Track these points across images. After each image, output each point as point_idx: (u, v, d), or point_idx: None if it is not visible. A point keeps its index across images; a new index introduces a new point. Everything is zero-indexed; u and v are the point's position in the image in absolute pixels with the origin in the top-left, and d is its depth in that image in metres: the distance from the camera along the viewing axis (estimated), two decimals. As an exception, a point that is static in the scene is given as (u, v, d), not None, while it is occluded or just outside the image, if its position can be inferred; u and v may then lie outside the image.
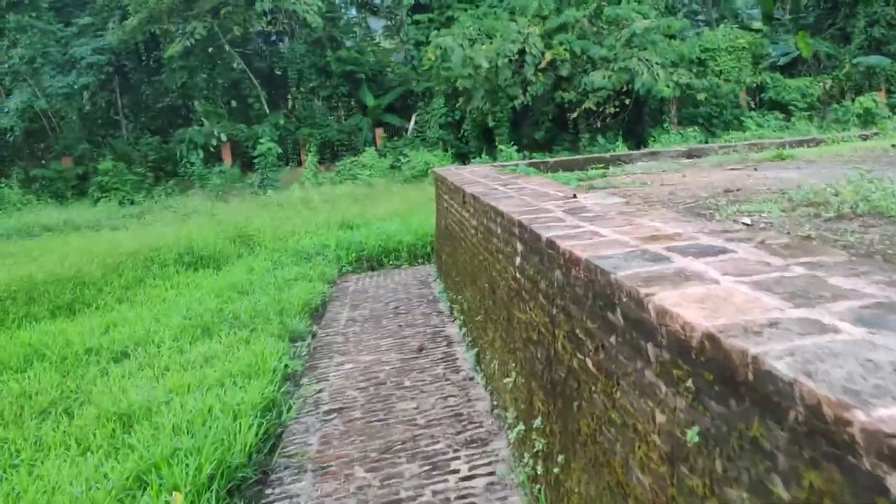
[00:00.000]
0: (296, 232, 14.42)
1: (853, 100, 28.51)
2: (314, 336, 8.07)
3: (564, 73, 22.93)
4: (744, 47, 24.10)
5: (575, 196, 4.48)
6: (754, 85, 25.21)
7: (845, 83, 30.76)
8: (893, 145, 8.29)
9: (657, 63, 21.31)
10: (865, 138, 9.93)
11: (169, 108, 33.01)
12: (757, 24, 33.02)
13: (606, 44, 22.46)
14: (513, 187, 5.76)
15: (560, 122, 25.20)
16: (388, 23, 37.82)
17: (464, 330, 6.72)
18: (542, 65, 22.87)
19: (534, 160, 9.93)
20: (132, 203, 24.45)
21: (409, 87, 30.44)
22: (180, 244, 12.98)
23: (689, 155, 9.82)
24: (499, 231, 4.57)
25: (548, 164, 9.65)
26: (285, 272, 11.00)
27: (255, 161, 22.36)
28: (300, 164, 27.76)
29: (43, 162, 29.48)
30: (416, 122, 28.88)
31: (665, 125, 25.17)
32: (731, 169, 7.48)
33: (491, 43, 22.65)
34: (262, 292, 9.83)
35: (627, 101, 22.26)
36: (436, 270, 10.26)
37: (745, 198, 5.04)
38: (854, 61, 30.80)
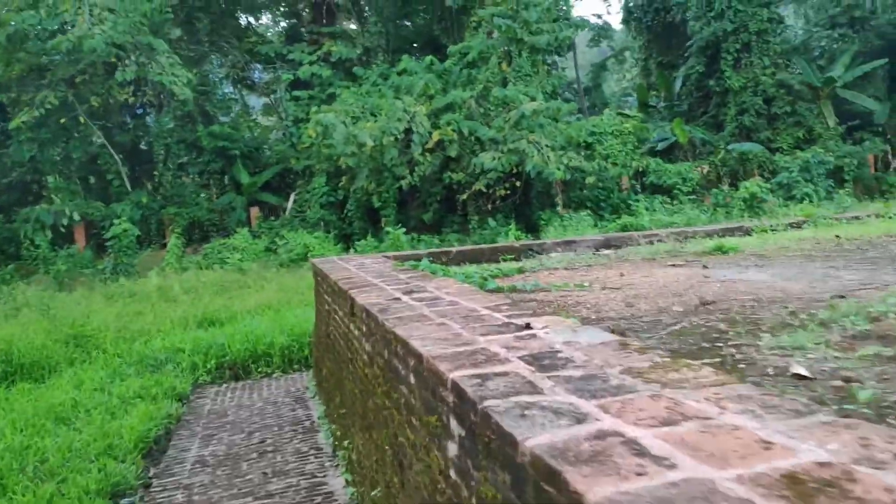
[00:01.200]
0: (145, 331, 12.15)
1: (732, 184, 29.32)
2: (147, 487, 6.00)
3: (452, 153, 21.97)
4: (629, 132, 24.12)
5: (528, 326, 2.90)
6: (639, 169, 25.21)
7: (721, 168, 31.72)
8: (838, 236, 7.41)
9: (547, 145, 20.72)
10: (798, 226, 9.15)
11: (16, 184, 29.57)
12: (631, 112, 33.86)
13: (495, 125, 21.76)
14: (423, 297, 4.14)
15: (448, 203, 24.13)
16: (267, 99, 36.25)
17: (353, 490, 4.92)
18: (430, 144, 21.83)
19: (434, 250, 8.42)
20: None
21: (288, 164, 28.72)
22: (-5, 349, 10.46)
23: (608, 244, 8.61)
24: (412, 380, 2.91)
25: (450, 255, 8.15)
26: (124, 387, 8.81)
27: (109, 244, 19.77)
28: (165, 246, 25.15)
29: None
30: (294, 202, 27.06)
31: (555, 208, 24.62)
32: (674, 265, 6.21)
33: (376, 121, 21.43)
34: (88, 419, 7.62)
35: (518, 184, 21.47)
36: (314, 384, 8.40)
37: (742, 318, 3.64)
38: (728, 147, 31.90)
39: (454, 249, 8.36)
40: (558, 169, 20.24)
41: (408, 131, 21.78)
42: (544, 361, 2.34)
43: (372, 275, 5.83)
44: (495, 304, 3.63)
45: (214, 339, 10.54)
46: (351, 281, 5.58)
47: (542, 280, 5.83)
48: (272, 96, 35.66)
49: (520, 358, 2.41)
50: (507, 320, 3.15)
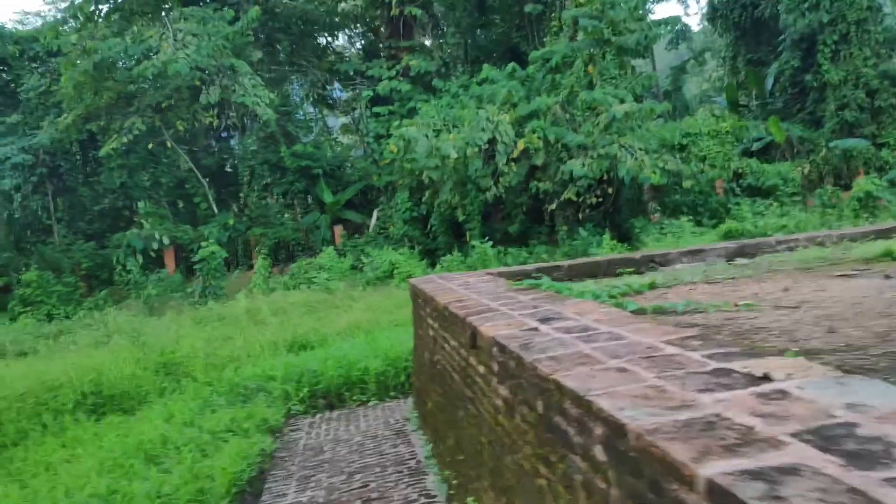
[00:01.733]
0: (235, 357, 11.74)
1: (837, 184, 27.36)
2: (243, 542, 5.38)
3: (538, 162, 21.09)
4: (727, 131, 22.70)
5: (767, 377, 2.04)
6: (737, 171, 23.69)
7: (823, 167, 29.71)
8: None
9: (640, 148, 19.60)
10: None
11: (108, 211, 30.37)
12: (719, 113, 32.19)
13: (583, 130, 20.78)
14: (566, 326, 3.33)
15: (534, 214, 23.25)
16: (346, 119, 36.28)
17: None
18: (515, 154, 21.03)
19: (542, 265, 7.56)
20: (59, 318, 21.47)
21: (370, 181, 28.44)
22: (87, 379, 10.20)
23: (742, 252, 7.57)
24: (600, 456, 2.09)
25: (561, 270, 7.30)
26: (214, 420, 8.30)
27: (197, 267, 19.79)
28: (252, 267, 25.16)
29: (-39, 273, 26.41)
30: (378, 219, 26.70)
31: (647, 216, 23.39)
32: (844, 275, 5.20)
33: (458, 132, 20.79)
34: (178, 458, 7.11)
35: (610, 190, 20.41)
36: (416, 416, 7.67)
37: None
38: (831, 144, 29.88)
39: (565, 264, 7.50)
40: (653, 173, 19.07)
41: (491, 141, 21.05)
42: (843, 445, 1.49)
43: (487, 296, 5.05)
44: (679, 338, 2.78)
45: (306, 364, 9.98)
46: (465, 305, 4.82)
47: (691, 297, 4.92)
48: (352, 114, 35.65)
49: (795, 436, 1.57)
50: (715, 364, 2.31)
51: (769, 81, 36.19)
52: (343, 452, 7.09)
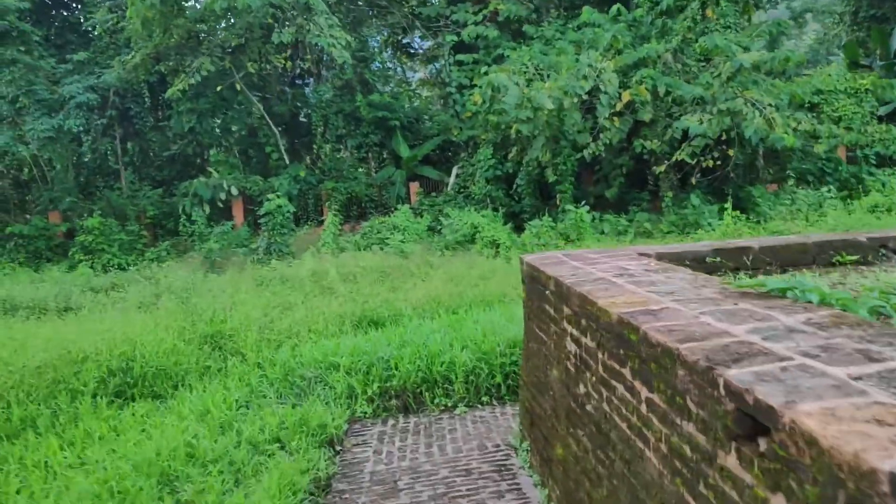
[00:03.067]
0: (294, 332, 9.89)
1: None
2: None
3: (645, 117, 18.46)
4: (867, 89, 19.51)
5: None
6: (875, 136, 20.45)
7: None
8: None
9: (770, 104, 16.75)
10: None
11: (178, 157, 29.12)
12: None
13: (700, 82, 18.01)
14: None
15: (634, 177, 20.66)
16: (423, 72, 33.97)
17: None
18: (618, 107, 18.45)
19: (719, 244, 5.25)
20: (115, 269, 20.25)
21: (450, 136, 26.22)
22: (117, 353, 8.50)
23: None
24: None
25: (749, 252, 5.02)
26: (259, 423, 6.44)
27: (262, 221, 18.04)
28: (322, 224, 23.45)
29: (27, 216, 25.59)
30: (457, 177, 24.53)
31: (766, 183, 20.53)
32: None
33: (555, 80, 18.32)
34: (203, 482, 5.26)
35: (731, 152, 17.63)
36: (528, 452, 5.57)
37: None
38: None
39: (753, 244, 5.21)
40: (786, 133, 16.25)
41: (592, 92, 18.51)
42: None
43: (700, 306, 2.86)
44: None
45: (377, 350, 8.00)
46: (675, 328, 2.63)
47: None
48: (433, 66, 33.33)
49: None
50: None
51: (894, 40, 31.89)
52: (425, 496, 5.08)
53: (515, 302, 10.99)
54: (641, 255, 5.18)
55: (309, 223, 23.84)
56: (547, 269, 4.72)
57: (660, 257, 5.18)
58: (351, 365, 7.75)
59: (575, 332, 3.97)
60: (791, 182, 20.95)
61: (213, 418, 6.84)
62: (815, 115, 18.76)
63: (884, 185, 19.37)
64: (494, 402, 7.29)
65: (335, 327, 10.07)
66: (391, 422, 7.07)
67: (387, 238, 18.02)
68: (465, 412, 7.12)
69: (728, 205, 16.32)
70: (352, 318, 10.50)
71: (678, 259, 5.19)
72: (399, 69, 34.54)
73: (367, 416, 7.21)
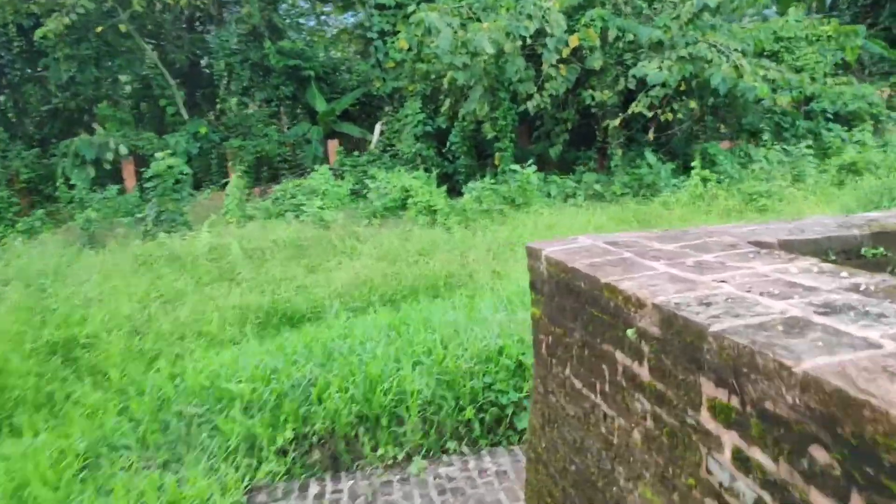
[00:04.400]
0: (177, 336, 7.36)
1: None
2: None
3: (595, 64, 16.35)
4: (829, 36, 17.94)
5: None
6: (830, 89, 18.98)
7: (906, 91, 25.15)
8: None
9: (736, 50, 14.89)
10: None
11: (60, 113, 25.35)
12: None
13: (658, 24, 15.97)
14: None
15: (578, 133, 18.61)
16: (345, 13, 30.88)
17: None
18: (564, 53, 16.27)
19: (879, 227, 3.06)
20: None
21: (372, 88, 23.55)
22: None
23: None
24: None
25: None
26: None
27: (149, 186, 15.10)
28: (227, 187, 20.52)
29: None
30: (382, 133, 21.97)
31: (717, 140, 18.89)
32: None
33: (495, 21, 15.94)
34: None
35: (693, 105, 15.73)
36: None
37: None
38: (919, 64, 25.22)
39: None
40: (755, 82, 14.43)
41: (535, 37, 16.25)
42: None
43: None
44: None
45: (291, 371, 5.60)
46: None
47: None
48: (350, 11, 30.29)
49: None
50: None
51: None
52: None
53: (467, 286, 8.75)
54: (757, 244, 2.97)
55: (212, 187, 20.86)
56: (623, 285, 2.42)
57: (785, 247, 2.99)
58: (253, 396, 5.32)
59: (744, 447, 1.70)
60: (735, 138, 19.44)
61: (34, 494, 4.36)
62: (776, 64, 17.08)
63: (843, 141, 17.97)
64: (465, 451, 5.03)
65: (234, 328, 7.58)
66: (314, 488, 4.72)
67: (303, 204, 15.41)
68: (423, 469, 4.83)
69: (696, 162, 14.44)
70: (257, 313, 8.02)
71: (817, 250, 3.01)
72: (312, 14, 31.32)
73: (276, 479, 4.83)
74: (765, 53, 17.46)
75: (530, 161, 15.86)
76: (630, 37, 16.35)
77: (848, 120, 19.79)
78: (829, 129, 18.67)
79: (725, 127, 19.75)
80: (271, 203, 16.72)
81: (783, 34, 17.90)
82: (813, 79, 17.31)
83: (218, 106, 26.23)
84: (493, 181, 16.15)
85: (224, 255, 11.21)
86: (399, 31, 20.95)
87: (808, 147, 15.89)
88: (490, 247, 10.72)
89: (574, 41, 16.21)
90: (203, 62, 27.17)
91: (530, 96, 16.63)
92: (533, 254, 3.30)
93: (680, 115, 16.32)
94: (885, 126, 21.03)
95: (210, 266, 10.75)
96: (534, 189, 15.07)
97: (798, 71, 17.54)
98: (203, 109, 26.50)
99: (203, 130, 22.79)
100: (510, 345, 5.53)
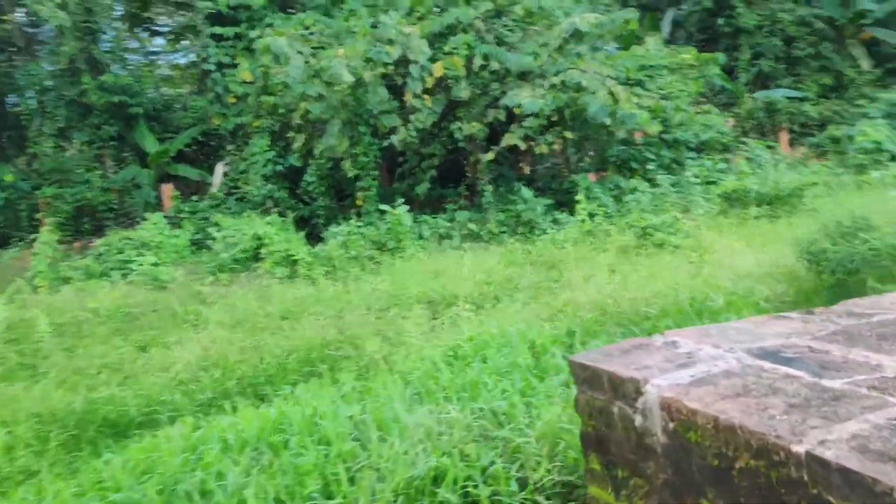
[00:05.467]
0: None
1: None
2: None
3: (462, 94, 15.12)
4: (691, 65, 17.84)
5: None
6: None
7: (746, 121, 26.14)
8: None
9: (609, 76, 14.17)
10: None
11: None
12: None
13: (526, 50, 15.02)
14: None
15: (448, 168, 17.31)
16: (179, 44, 28.17)
17: None
18: (429, 83, 14.95)
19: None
20: None
21: (212, 125, 21.18)
22: None
23: None
24: None
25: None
26: None
27: (-73, 247, 12.08)
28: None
29: None
30: (225, 175, 19.64)
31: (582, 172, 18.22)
32: None
33: (353, 45, 14.36)
34: None
35: (568, 135, 14.80)
36: None
37: None
38: (756, 95, 26.31)
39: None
40: (634, 109, 13.71)
41: (397, 64, 14.82)
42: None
43: None
44: None
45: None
46: None
47: None
48: (183, 43, 27.68)
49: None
50: None
51: (665, 27, 32.03)
52: None
53: (352, 359, 6.95)
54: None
55: (20, 245, 17.60)
56: None
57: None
58: None
59: None
60: (600, 170, 18.98)
61: None
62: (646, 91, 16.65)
63: (708, 170, 17.84)
64: None
65: (28, 454, 5.29)
66: None
67: (132, 260, 12.91)
68: None
69: (580, 196, 13.40)
70: (63, 424, 5.75)
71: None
72: (140, 50, 28.34)
73: None
74: (629, 82, 17.00)
75: (400, 200, 14.25)
76: (496, 65, 15.28)
77: (700, 150, 19.85)
78: (692, 159, 18.53)
79: (591, 158, 19.19)
80: (93, 260, 13.99)
81: (646, 63, 17.59)
82: (678, 108, 17.03)
83: (29, 150, 22.74)
84: (359, 224, 14.38)
85: (27, 335, 8.66)
86: (237, 65, 18.97)
87: (696, 176, 15.46)
88: (371, 304, 8.93)
89: (438, 70, 14.93)
90: (9, 99, 23.60)
91: (394, 130, 15.13)
92: (610, 385, 1.59)
93: (556, 147, 15.38)
94: (733, 155, 21.43)
95: (6, 351, 8.20)
96: (406, 231, 13.47)
97: (664, 99, 17.24)
98: (9, 154, 22.91)
99: (8, 178, 19.45)
100: (449, 466, 3.78)
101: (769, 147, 22.60)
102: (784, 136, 26.75)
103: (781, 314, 1.89)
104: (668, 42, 31.11)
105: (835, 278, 5.83)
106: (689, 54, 18.01)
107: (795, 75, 28.83)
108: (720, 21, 28.92)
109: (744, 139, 23.76)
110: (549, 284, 8.70)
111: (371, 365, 6.68)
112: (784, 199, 13.20)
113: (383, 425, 4.53)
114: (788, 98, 26.49)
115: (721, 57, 19.60)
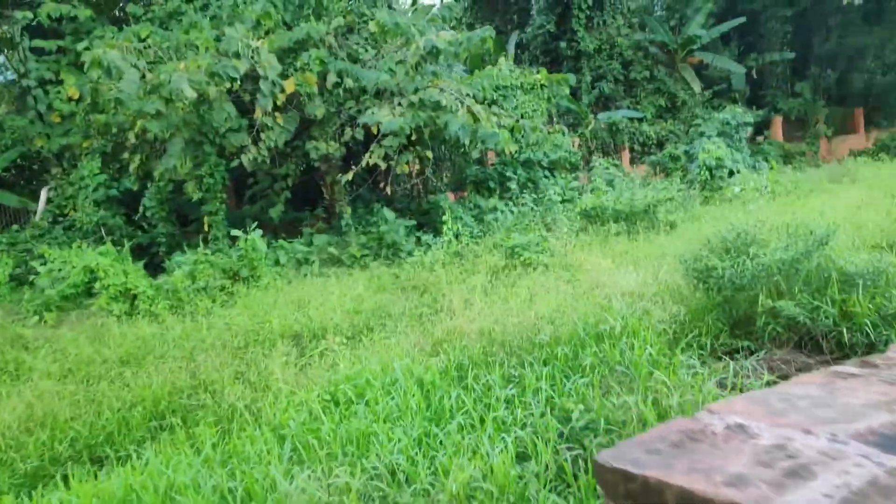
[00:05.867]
0: None
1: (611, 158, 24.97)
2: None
3: (317, 112, 14.40)
4: (542, 85, 18.05)
5: None
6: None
7: (591, 141, 27.15)
8: None
9: (468, 94, 13.96)
10: None
11: None
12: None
13: (382, 67, 14.54)
14: None
15: (304, 190, 16.46)
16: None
17: None
18: (280, 100, 14.11)
19: None
20: None
21: (33, 147, 19.04)
22: None
23: None
24: None
25: None
26: None
27: None
28: None
29: None
30: (50, 201, 17.65)
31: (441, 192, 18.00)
32: None
33: (196, 58, 13.26)
34: None
35: (429, 155, 14.41)
36: None
37: None
38: (599, 116, 27.38)
39: None
40: (496, 128, 13.54)
41: (246, 78, 13.88)
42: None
43: None
44: None
45: None
46: None
47: None
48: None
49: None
50: None
51: (510, 49, 32.90)
52: None
53: (209, 410, 6.08)
54: None
55: None
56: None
57: None
58: None
59: None
60: (458, 190, 18.91)
61: None
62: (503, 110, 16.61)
63: (563, 189, 18.13)
64: None
65: None
66: None
67: (-64, 302, 11.08)
68: None
69: (447, 217, 12.99)
70: None
71: None
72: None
73: None
74: (485, 101, 16.94)
75: (253, 224, 13.24)
76: (351, 83, 14.67)
77: (552, 169, 20.21)
78: (547, 178, 18.78)
79: (449, 178, 19.01)
80: None
81: (501, 83, 17.63)
82: (536, 128, 17.15)
83: None
84: (206, 251, 13.21)
85: None
86: (62, 81, 17.26)
87: (557, 195, 15.51)
88: (226, 342, 7.98)
89: (290, 86, 14.11)
90: None
91: (243, 149, 14.13)
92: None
93: (416, 167, 14.97)
94: (581, 174, 22.08)
95: None
96: (261, 257, 12.49)
97: (522, 118, 17.31)
98: None
99: None
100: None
101: (615, 165, 23.53)
102: (626, 155, 28.07)
103: (839, 368, 1.43)
104: (519, 61, 31.95)
105: (723, 295, 5.72)
106: (540, 74, 18.24)
107: (633, 97, 30.39)
108: (563, 44, 29.98)
109: (594, 158, 24.66)
110: (425, 311, 8.16)
111: (233, 415, 5.83)
112: (639, 214, 13.49)
113: (257, 497, 3.77)
114: (629, 119, 27.83)
115: (572, 77, 20.07)
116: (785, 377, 4.83)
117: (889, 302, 4.96)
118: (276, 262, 13.61)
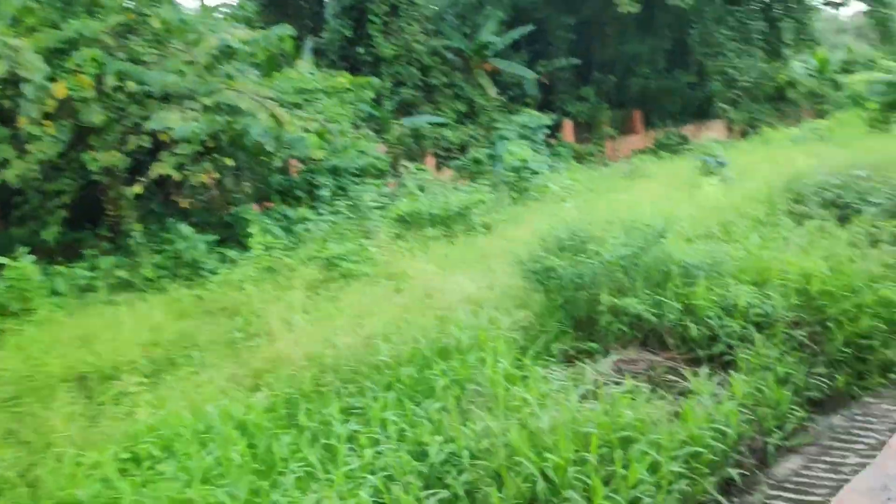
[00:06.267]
0: None
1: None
2: None
3: (95, 119, 12.78)
4: (348, 89, 17.41)
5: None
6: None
7: (396, 146, 27.01)
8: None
9: (270, 98, 13.03)
10: None
11: None
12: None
13: (170, 68, 13.19)
14: None
15: (83, 207, 14.58)
16: None
17: None
18: (50, 106, 12.36)
19: None
20: None
21: None
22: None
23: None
24: None
25: None
26: None
27: None
28: None
29: None
30: None
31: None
32: None
33: (-64, 57, 11.21)
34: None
35: (230, 162, 13.24)
36: None
37: None
38: (403, 122, 27.28)
39: None
40: (305, 133, 12.73)
41: (7, 82, 11.99)
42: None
43: None
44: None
45: None
46: None
47: None
48: None
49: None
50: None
51: (306, 53, 32.08)
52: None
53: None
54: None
55: None
56: None
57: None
58: None
59: None
60: (261, 201, 17.83)
61: None
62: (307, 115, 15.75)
63: (374, 195, 17.62)
64: None
65: None
66: None
67: None
68: None
69: (255, 229, 11.95)
70: None
71: None
72: None
73: None
74: (287, 105, 16.01)
75: (23, 249, 11.40)
76: (133, 86, 13.17)
77: (359, 175, 19.67)
78: (356, 184, 18.19)
79: (251, 188, 17.82)
80: None
81: (302, 86, 16.75)
82: (343, 132, 16.47)
83: None
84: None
85: None
86: None
87: (373, 201, 14.92)
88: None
89: (61, 90, 12.40)
90: None
91: (6, 163, 12.19)
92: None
93: (216, 176, 13.76)
94: (388, 180, 21.76)
95: None
96: (35, 287, 10.78)
97: (329, 122, 16.55)
98: None
99: None
100: None
101: (421, 170, 23.45)
102: (431, 160, 28.19)
103: None
104: (317, 65, 31.07)
105: (564, 296, 5.45)
106: (344, 78, 17.63)
107: (434, 102, 30.64)
108: (360, 50, 29.56)
109: (402, 163, 24.42)
110: (237, 336, 7.24)
111: (2, 488, 4.65)
112: (454, 217, 13.33)
113: None
114: (431, 124, 27.99)
115: (376, 81, 19.64)
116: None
117: (728, 292, 4.93)
118: (54, 292, 11.83)
